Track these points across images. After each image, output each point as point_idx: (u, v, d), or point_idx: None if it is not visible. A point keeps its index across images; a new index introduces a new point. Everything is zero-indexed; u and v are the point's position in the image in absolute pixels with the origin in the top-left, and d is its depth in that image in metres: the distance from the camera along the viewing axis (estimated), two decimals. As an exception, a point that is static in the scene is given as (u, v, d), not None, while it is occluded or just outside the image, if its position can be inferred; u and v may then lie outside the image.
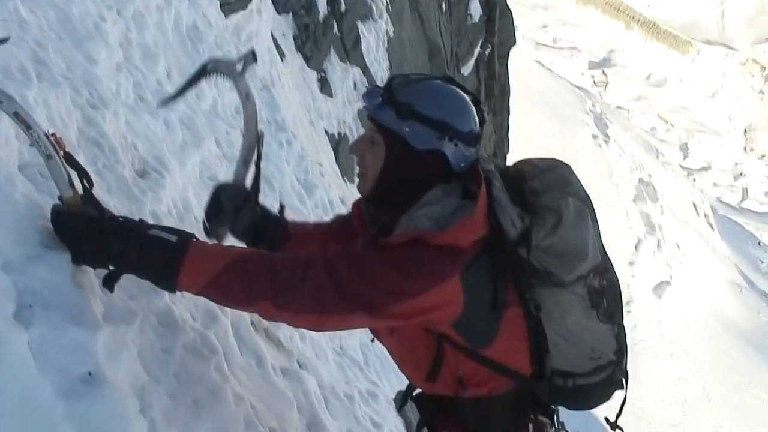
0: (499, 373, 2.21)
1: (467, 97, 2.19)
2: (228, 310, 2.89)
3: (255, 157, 2.54)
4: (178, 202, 3.14)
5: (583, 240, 2.13)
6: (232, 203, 2.53)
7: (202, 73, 2.11)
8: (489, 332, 2.14)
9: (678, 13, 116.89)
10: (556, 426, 2.41)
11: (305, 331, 3.93)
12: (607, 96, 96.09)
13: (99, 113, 3.06)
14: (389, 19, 14.56)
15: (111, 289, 2.04)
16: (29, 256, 1.92)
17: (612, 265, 2.30)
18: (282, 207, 2.77)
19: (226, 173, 2.54)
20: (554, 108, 74.86)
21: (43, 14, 3.40)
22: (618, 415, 2.44)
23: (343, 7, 11.72)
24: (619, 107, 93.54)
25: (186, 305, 2.67)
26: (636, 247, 59.16)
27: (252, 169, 2.57)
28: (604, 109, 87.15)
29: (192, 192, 3.61)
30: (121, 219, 2.06)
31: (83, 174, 2.13)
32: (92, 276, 2.13)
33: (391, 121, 2.11)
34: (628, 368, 2.41)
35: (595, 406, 2.39)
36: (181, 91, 2.02)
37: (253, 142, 2.52)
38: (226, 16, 7.11)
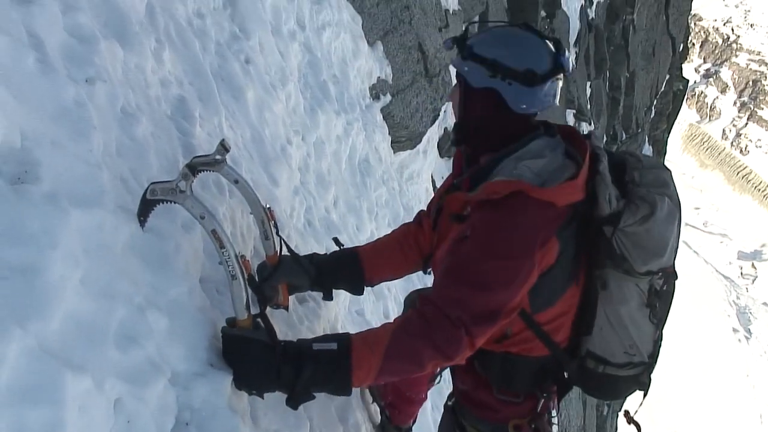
0: (539, 339, 2.32)
1: (539, 41, 2.25)
2: None
3: (272, 228, 2.66)
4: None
5: (665, 239, 2.20)
6: (292, 272, 2.66)
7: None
8: (552, 298, 2.25)
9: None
10: (557, 412, 2.56)
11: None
12: (754, 290, 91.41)
13: (274, 234, 3.15)
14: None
15: (295, 408, 2.12)
16: (195, 373, 1.94)
17: (676, 275, 2.36)
18: (336, 240, 2.95)
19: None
20: (696, 293, 71.99)
21: (240, 133, 3.60)
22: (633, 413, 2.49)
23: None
24: (765, 304, 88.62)
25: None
26: (766, 456, 54.64)
27: (276, 238, 2.68)
28: (749, 303, 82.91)
29: (340, 325, 3.62)
30: (284, 344, 2.09)
31: (263, 299, 2.16)
32: (246, 401, 2.12)
33: (458, 63, 2.29)
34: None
35: (612, 399, 2.61)
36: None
37: (261, 214, 2.63)
38: (394, 152, 7.32)
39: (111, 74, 2.35)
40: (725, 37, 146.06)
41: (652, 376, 2.45)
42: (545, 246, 2.11)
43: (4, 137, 1.68)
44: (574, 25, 17.34)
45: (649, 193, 2.20)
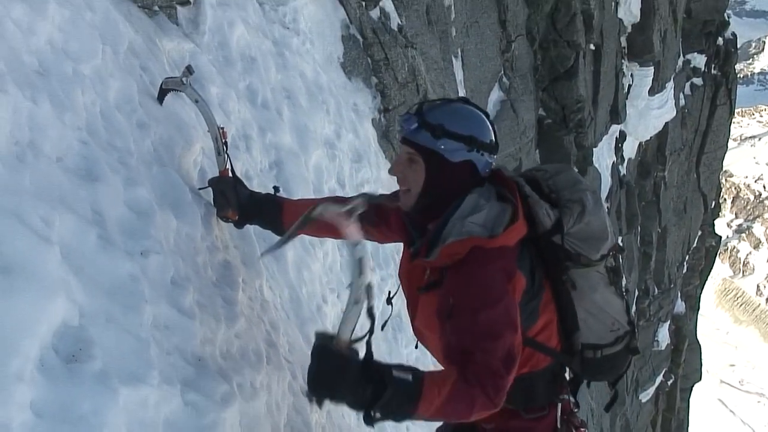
0: (539, 351, 2.57)
1: (483, 115, 2.56)
2: None
3: (223, 146, 3.10)
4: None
5: (603, 224, 2.56)
6: (227, 186, 3.06)
7: (162, 91, 3.10)
8: (534, 314, 2.50)
9: None
10: (577, 406, 2.79)
11: None
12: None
13: (306, 402, 3.16)
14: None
15: (372, 425, 2.26)
16: None
17: (622, 248, 2.73)
18: (275, 188, 3.20)
19: (212, 169, 3.26)
20: (733, 456, 68.86)
21: (279, 293, 3.69)
22: (621, 376, 2.87)
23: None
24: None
25: None
26: None
27: (226, 155, 3.12)
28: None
29: None
30: (366, 362, 2.22)
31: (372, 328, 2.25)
32: None
33: (428, 141, 2.45)
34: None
35: (615, 377, 2.86)
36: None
37: (216, 133, 3.09)
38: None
39: (164, 245, 2.47)
40: (757, 193, 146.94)
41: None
42: (513, 279, 2.35)
43: (64, 317, 1.77)
44: (606, 181, 17.66)
45: (573, 194, 2.53)
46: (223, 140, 3.13)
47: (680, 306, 26.87)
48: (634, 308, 21.89)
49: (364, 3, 7.31)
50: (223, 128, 3.13)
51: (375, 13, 7.48)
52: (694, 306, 29.04)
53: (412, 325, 2.77)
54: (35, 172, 1.99)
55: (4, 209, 1.72)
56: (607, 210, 18.81)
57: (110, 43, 2.91)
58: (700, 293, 30.34)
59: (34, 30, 2.37)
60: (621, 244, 2.66)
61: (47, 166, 2.08)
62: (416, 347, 2.97)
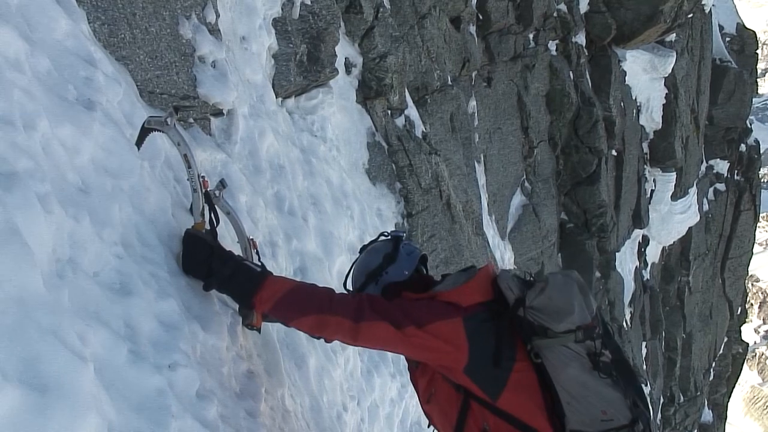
0: (518, 429, 2.61)
1: (375, 246, 3.13)
2: None
3: (253, 255, 3.31)
4: None
5: (568, 299, 2.63)
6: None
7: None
8: (499, 383, 2.63)
9: None
10: None
11: None
12: None
13: None
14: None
15: (208, 290, 2.85)
16: None
17: (619, 348, 2.75)
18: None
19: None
20: None
21: (300, 401, 3.71)
22: None
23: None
24: None
25: None
26: None
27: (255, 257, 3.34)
28: None
29: None
30: (224, 249, 2.87)
31: (212, 207, 2.98)
32: None
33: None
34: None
35: None
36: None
37: (246, 244, 3.29)
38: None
39: (191, 357, 2.52)
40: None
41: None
42: (446, 320, 2.64)
43: (94, 434, 1.82)
44: (629, 286, 17.58)
45: (542, 276, 2.78)
46: (254, 250, 3.23)
47: (707, 414, 26.21)
48: (659, 416, 21.36)
49: (389, 111, 7.55)
50: (252, 239, 3.23)
51: (400, 121, 7.72)
52: (721, 414, 28.29)
53: (424, 411, 3.12)
54: (74, 288, 2.08)
55: (45, 329, 1.80)
56: (630, 314, 18.74)
57: (148, 157, 3.04)
58: (728, 401, 29.61)
59: (78, 149, 2.50)
60: (596, 323, 2.67)
61: (85, 281, 2.16)
62: None
